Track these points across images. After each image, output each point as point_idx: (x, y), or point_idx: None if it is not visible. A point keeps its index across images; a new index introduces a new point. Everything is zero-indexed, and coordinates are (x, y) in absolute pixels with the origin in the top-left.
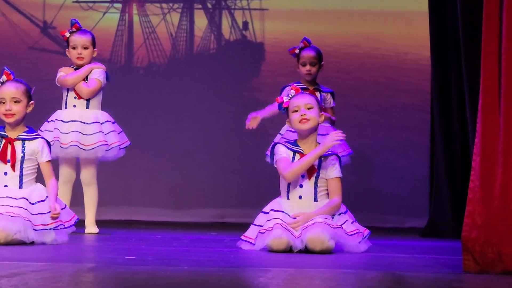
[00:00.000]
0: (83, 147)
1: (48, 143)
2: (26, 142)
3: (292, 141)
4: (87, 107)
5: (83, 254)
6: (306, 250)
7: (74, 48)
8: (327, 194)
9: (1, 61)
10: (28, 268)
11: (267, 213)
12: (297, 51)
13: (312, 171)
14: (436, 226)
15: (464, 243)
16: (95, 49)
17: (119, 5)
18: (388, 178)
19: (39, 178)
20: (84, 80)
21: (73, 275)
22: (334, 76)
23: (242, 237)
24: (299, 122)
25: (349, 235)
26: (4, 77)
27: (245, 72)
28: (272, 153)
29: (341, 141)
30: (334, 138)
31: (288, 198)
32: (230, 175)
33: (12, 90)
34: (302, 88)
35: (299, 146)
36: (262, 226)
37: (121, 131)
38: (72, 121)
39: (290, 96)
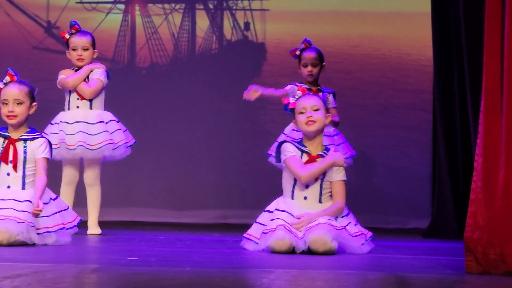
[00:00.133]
0: (89, 147)
1: (50, 143)
2: (28, 142)
3: (298, 140)
4: (91, 108)
5: (86, 255)
6: (309, 251)
7: (74, 49)
8: (331, 195)
9: (6, 61)
10: (31, 269)
11: (271, 212)
12: (298, 52)
13: None
14: (439, 227)
15: (466, 244)
16: (95, 50)
17: (121, 6)
18: (390, 179)
19: None
20: (85, 80)
21: (76, 276)
22: (336, 77)
23: (245, 235)
24: (306, 123)
25: (353, 236)
26: (7, 78)
27: (247, 72)
28: (278, 152)
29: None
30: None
31: (292, 198)
32: (232, 176)
33: (15, 91)
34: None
35: (306, 147)
36: (265, 225)
37: (126, 130)
38: (77, 122)
39: (297, 97)
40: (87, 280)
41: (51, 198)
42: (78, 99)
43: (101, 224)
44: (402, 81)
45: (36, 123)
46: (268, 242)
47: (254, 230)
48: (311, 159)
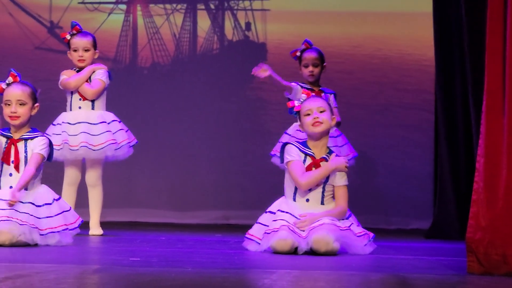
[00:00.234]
0: (92, 147)
1: (51, 144)
2: (28, 141)
3: (302, 141)
4: (93, 108)
5: (87, 256)
6: (311, 252)
7: (75, 50)
8: (333, 197)
9: (9, 61)
10: (33, 270)
11: (274, 213)
12: (298, 53)
13: None
14: (441, 228)
15: (468, 245)
16: (96, 51)
17: (123, 6)
18: (392, 179)
19: (44, 180)
20: (87, 81)
21: (77, 276)
22: (337, 77)
23: (247, 235)
24: (312, 125)
25: (357, 236)
26: (10, 79)
27: (248, 72)
28: (282, 153)
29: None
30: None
31: (294, 200)
32: (234, 176)
33: (18, 92)
34: (307, 89)
35: (310, 149)
36: (267, 225)
37: (128, 130)
38: (79, 122)
39: (302, 100)
40: (89, 281)
41: (54, 199)
42: (80, 99)
43: (103, 224)
44: (403, 81)
45: (38, 124)
46: (270, 242)
47: (255, 231)
48: (315, 163)
